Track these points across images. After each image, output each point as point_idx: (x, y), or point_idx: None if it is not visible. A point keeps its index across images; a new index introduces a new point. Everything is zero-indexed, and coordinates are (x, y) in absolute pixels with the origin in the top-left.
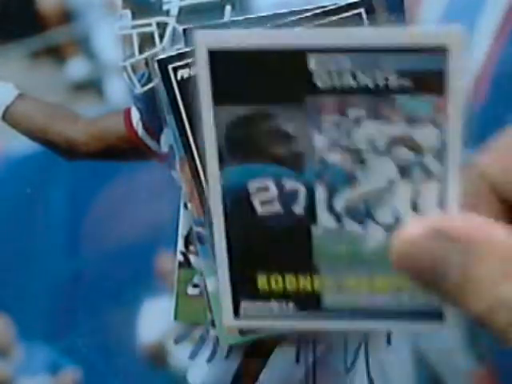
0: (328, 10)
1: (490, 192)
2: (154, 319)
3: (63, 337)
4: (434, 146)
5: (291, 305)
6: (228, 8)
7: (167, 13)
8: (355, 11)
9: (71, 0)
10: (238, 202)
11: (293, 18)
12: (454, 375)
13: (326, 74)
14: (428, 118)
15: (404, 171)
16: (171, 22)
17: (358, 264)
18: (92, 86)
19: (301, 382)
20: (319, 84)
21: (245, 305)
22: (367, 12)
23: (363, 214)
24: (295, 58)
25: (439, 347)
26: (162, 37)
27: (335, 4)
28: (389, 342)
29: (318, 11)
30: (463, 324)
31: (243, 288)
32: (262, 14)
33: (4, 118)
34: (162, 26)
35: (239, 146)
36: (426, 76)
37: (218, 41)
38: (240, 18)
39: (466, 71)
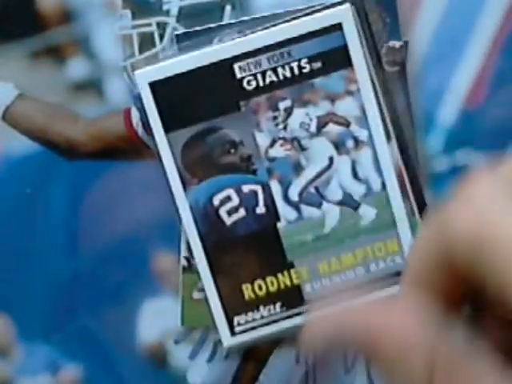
0: (317, 9)
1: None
2: (154, 319)
3: (63, 337)
4: (355, 115)
5: (278, 305)
6: (228, 8)
7: (167, 13)
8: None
9: (71, 0)
10: (207, 219)
11: (287, 18)
12: None
13: (251, 77)
14: (344, 90)
15: (338, 146)
16: (171, 21)
17: (326, 247)
18: (92, 86)
19: (301, 383)
20: (248, 87)
21: (237, 320)
22: (357, 10)
23: (316, 197)
24: (222, 71)
25: None
26: (162, 37)
27: (322, 4)
28: None
29: (308, 10)
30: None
31: (232, 304)
32: (263, 14)
33: (4, 117)
34: (162, 26)
35: (196, 165)
36: (332, 54)
37: (155, 74)
38: (242, 18)
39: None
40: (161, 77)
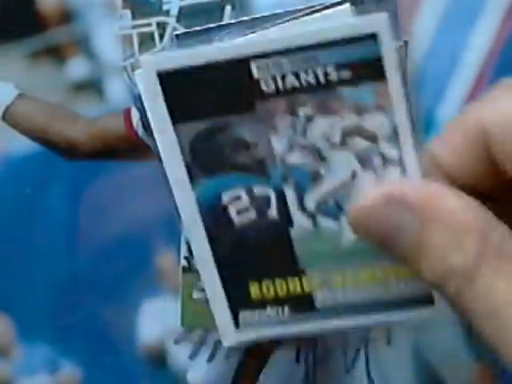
0: (316, 9)
1: (445, 181)
2: (154, 319)
3: (63, 337)
4: (385, 132)
5: (286, 309)
6: (228, 8)
7: (167, 13)
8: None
9: (71, 0)
10: (215, 217)
11: (287, 18)
12: (454, 375)
13: (270, 79)
14: (373, 105)
15: (363, 161)
16: (171, 21)
17: (341, 259)
18: (92, 86)
19: (301, 382)
20: (266, 89)
21: (243, 315)
22: (357, 10)
23: (334, 209)
24: (239, 68)
25: (439, 347)
26: (162, 37)
27: (322, 4)
28: (389, 342)
29: (307, 11)
30: (463, 324)
31: (238, 299)
32: (262, 14)
33: (4, 118)
34: (162, 26)
35: (206, 160)
36: (363, 64)
37: (165, 63)
38: (242, 18)
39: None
40: (170, 66)
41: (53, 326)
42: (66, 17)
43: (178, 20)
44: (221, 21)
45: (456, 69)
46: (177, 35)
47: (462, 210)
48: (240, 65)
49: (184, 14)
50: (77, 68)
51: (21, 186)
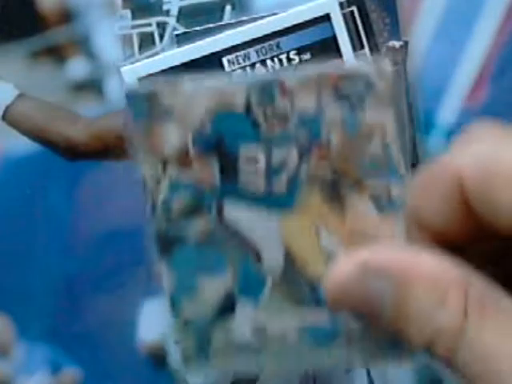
0: None
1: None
2: (154, 319)
3: (63, 337)
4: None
5: None
6: (228, 8)
7: (167, 13)
8: (347, 9)
9: (71, 0)
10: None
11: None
12: (454, 375)
13: (240, 70)
14: None
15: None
16: (171, 21)
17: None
18: (92, 86)
19: (301, 382)
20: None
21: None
22: (359, 10)
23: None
24: (212, 64)
25: None
26: (162, 37)
27: None
28: None
29: None
30: None
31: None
32: (262, 14)
33: (4, 118)
34: (162, 26)
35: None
36: (321, 45)
37: (144, 70)
38: (242, 18)
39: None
40: (149, 72)
41: (53, 326)
42: (66, 17)
43: (178, 20)
44: (221, 21)
45: (456, 69)
46: (177, 35)
47: (440, 269)
48: (213, 60)
49: (184, 14)
50: (77, 68)
51: (21, 186)
